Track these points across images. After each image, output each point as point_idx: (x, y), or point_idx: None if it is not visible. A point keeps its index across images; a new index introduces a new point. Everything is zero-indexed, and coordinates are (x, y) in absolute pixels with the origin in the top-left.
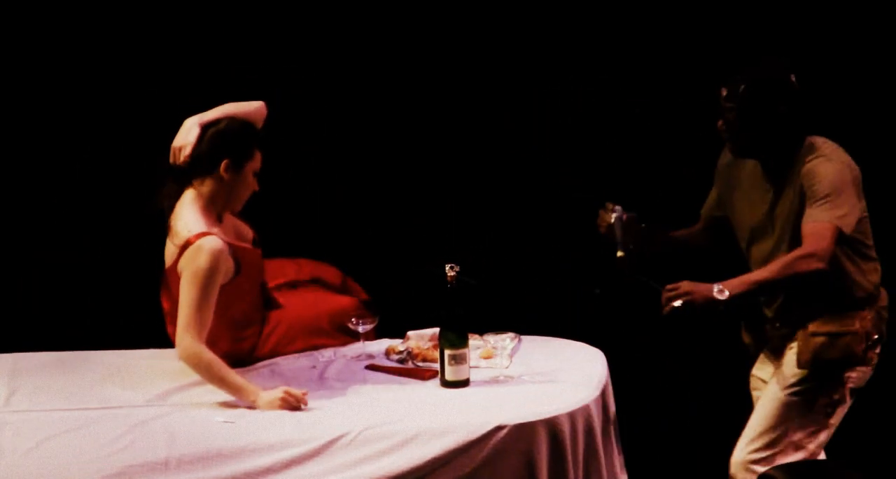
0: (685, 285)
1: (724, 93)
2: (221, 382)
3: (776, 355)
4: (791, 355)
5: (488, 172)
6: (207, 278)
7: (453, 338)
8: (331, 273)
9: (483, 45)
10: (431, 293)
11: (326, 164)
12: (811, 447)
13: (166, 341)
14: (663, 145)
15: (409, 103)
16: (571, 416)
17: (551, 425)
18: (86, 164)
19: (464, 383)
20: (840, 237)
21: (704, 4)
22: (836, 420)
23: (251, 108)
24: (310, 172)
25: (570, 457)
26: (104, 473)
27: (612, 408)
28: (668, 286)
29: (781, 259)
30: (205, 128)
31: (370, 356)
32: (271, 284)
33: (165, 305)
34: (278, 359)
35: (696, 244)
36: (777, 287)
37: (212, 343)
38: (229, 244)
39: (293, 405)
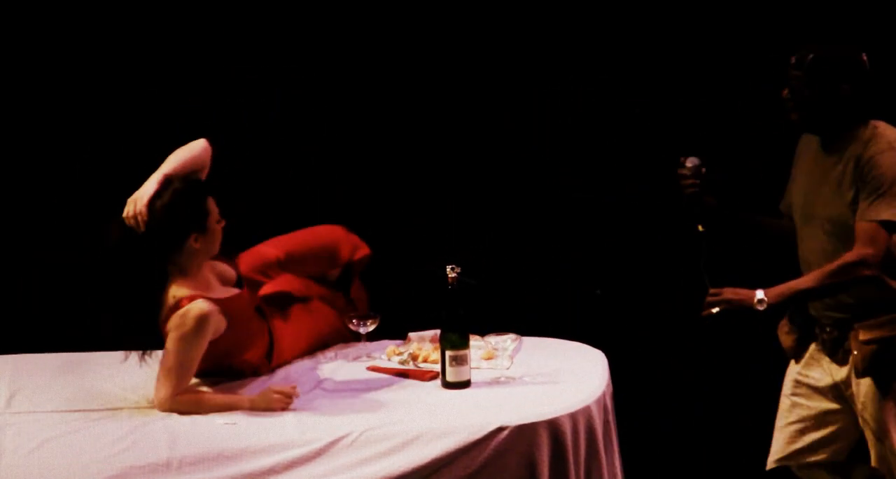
0: (727, 293)
1: (793, 61)
2: (212, 409)
3: (833, 358)
4: (849, 365)
5: (489, 172)
6: (191, 341)
7: (454, 339)
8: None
9: (483, 46)
10: (432, 294)
11: (327, 164)
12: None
13: None
14: (664, 145)
15: (410, 104)
16: (573, 417)
17: (553, 426)
18: (86, 164)
19: (465, 385)
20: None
21: (706, 4)
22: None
23: (197, 150)
24: (310, 172)
25: (571, 458)
26: (106, 474)
27: (613, 409)
28: (712, 291)
29: (828, 267)
30: (153, 203)
31: (371, 357)
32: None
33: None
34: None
35: (778, 233)
36: (822, 296)
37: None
38: (217, 301)
39: (286, 402)
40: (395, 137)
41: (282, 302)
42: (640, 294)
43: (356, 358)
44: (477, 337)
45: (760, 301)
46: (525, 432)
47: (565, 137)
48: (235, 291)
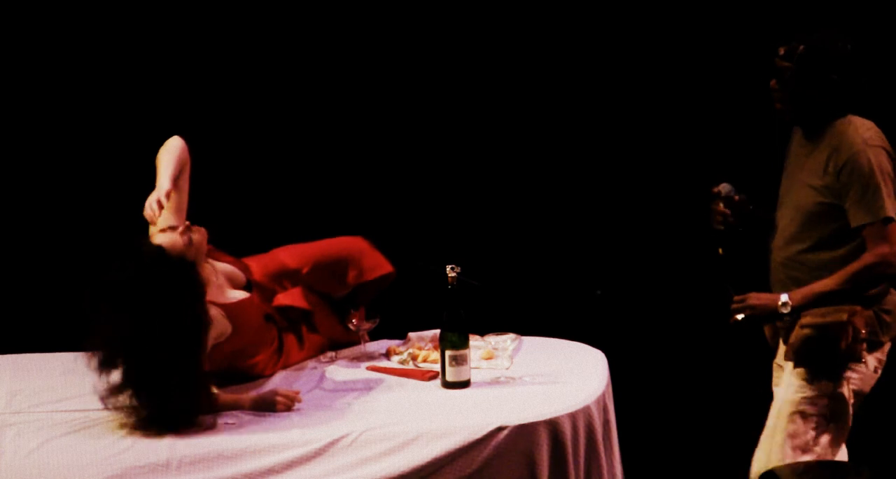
0: (751, 298)
1: (782, 52)
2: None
3: (785, 345)
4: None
5: (489, 172)
6: None
7: (454, 339)
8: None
9: (484, 46)
10: (432, 294)
11: (326, 164)
12: (817, 449)
13: None
14: (664, 146)
15: (410, 103)
16: (572, 417)
17: (552, 425)
18: (86, 164)
19: (465, 384)
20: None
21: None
22: (841, 423)
23: (181, 150)
24: (310, 172)
25: (570, 458)
26: (105, 474)
27: (613, 409)
28: (736, 297)
29: (850, 268)
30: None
31: (371, 357)
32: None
33: None
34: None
35: None
36: (845, 297)
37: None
38: (223, 306)
39: (288, 404)
40: (396, 137)
41: (290, 316)
42: (641, 294)
43: (356, 358)
44: (477, 337)
45: (784, 304)
46: (525, 432)
47: (566, 137)
48: (244, 295)
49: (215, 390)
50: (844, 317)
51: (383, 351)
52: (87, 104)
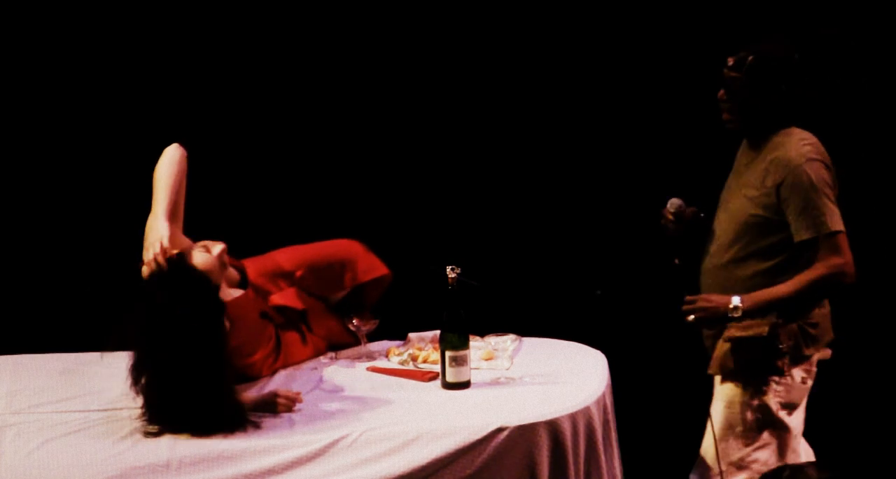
0: (702, 301)
1: (731, 62)
2: None
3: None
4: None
5: (489, 173)
6: None
7: (454, 339)
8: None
9: (484, 46)
10: (432, 295)
11: (326, 165)
12: (755, 466)
13: None
14: (665, 146)
15: (410, 104)
16: (573, 417)
17: (552, 426)
18: (86, 164)
19: (465, 385)
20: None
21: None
22: (774, 437)
23: (180, 162)
24: (309, 173)
25: (571, 459)
26: (106, 475)
27: (613, 410)
28: (688, 298)
29: (804, 277)
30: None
31: (371, 358)
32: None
33: None
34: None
35: None
36: (798, 304)
37: None
38: None
39: (289, 406)
40: (396, 138)
41: (286, 316)
42: (641, 295)
43: (356, 359)
44: (477, 338)
45: (735, 308)
46: (525, 432)
47: (566, 138)
48: (239, 292)
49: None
50: (766, 331)
51: (383, 352)
52: (86, 104)
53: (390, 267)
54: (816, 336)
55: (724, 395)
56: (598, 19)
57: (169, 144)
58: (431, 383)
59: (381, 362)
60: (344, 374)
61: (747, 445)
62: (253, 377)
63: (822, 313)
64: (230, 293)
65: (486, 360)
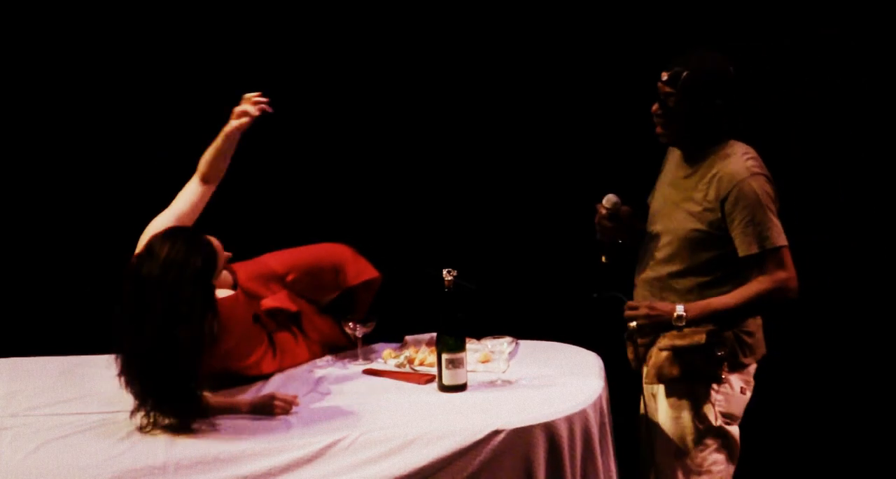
0: (644, 308)
1: (665, 77)
2: (211, 412)
3: (644, 366)
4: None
5: (486, 175)
6: None
7: (451, 342)
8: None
9: (483, 46)
10: (429, 298)
11: (325, 166)
12: (715, 469)
13: None
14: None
15: (408, 105)
16: (569, 420)
17: (549, 429)
18: (86, 164)
19: (461, 388)
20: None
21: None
22: (719, 447)
23: (200, 197)
24: (308, 174)
25: (567, 461)
26: (103, 477)
27: (609, 412)
28: (630, 304)
29: (749, 290)
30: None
31: (367, 361)
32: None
33: None
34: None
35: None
36: (741, 316)
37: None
38: None
39: (286, 408)
40: (392, 140)
41: (278, 319)
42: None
43: (353, 361)
44: (473, 340)
45: (680, 317)
46: (521, 435)
47: (564, 139)
48: (229, 292)
49: (208, 395)
50: (703, 338)
51: (380, 355)
52: (86, 105)
53: (387, 270)
54: (752, 346)
55: (667, 405)
56: (603, 20)
57: (165, 144)
58: (428, 386)
59: (377, 365)
60: (341, 377)
61: (703, 451)
62: (253, 378)
63: (757, 323)
64: (220, 294)
65: (483, 362)
